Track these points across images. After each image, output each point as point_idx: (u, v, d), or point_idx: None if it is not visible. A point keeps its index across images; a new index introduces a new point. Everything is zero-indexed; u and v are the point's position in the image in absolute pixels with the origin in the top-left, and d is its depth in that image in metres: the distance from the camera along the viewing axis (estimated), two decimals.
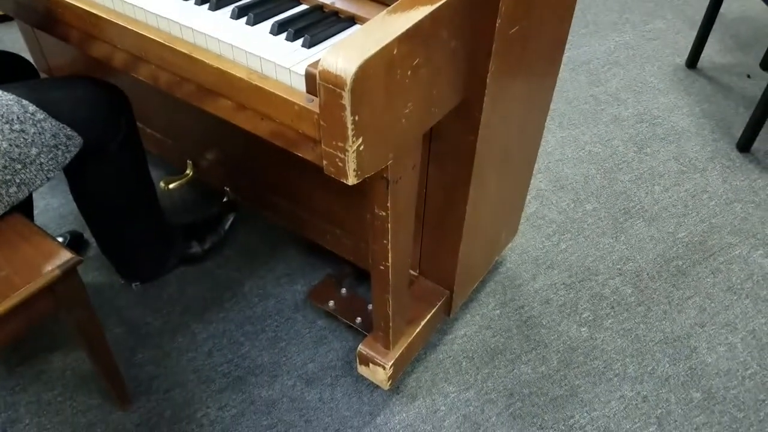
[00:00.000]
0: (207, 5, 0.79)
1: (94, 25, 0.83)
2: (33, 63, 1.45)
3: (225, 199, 1.53)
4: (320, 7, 0.80)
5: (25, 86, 0.94)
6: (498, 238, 1.37)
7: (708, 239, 1.57)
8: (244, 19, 0.76)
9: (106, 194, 1.14)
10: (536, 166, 1.78)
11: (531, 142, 1.24)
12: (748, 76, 2.19)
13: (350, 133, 0.64)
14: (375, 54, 0.62)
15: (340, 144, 0.66)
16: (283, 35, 0.74)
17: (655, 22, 2.53)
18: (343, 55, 0.61)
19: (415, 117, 0.75)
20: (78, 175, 1.09)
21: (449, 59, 0.78)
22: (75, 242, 1.47)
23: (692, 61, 2.23)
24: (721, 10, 2.06)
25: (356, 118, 0.63)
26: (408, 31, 0.65)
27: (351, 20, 0.78)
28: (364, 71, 0.61)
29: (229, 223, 1.51)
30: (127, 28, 0.79)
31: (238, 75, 0.71)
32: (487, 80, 0.85)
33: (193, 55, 0.73)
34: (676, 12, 2.60)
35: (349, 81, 0.60)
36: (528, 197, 1.60)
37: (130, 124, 1.10)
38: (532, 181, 1.42)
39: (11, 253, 0.88)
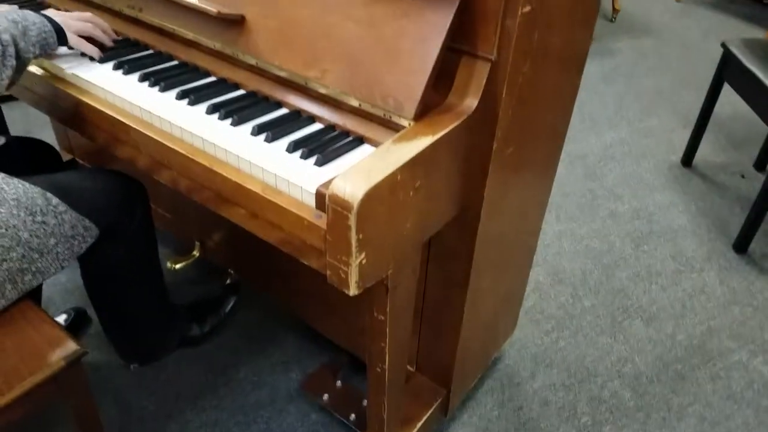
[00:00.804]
0: (230, 120, 0.87)
1: (121, 131, 0.91)
2: (56, 144, 1.54)
3: (228, 281, 1.57)
4: (332, 127, 0.88)
5: (47, 178, 1.01)
6: (496, 334, 1.40)
7: (707, 343, 1.59)
8: (263, 136, 0.84)
9: (115, 275, 1.18)
10: (534, 258, 1.83)
11: (529, 238, 1.30)
12: (743, 176, 2.28)
13: (354, 249, 0.69)
14: (380, 181, 0.68)
15: (344, 258, 0.71)
16: (298, 153, 0.81)
17: (650, 119, 2.66)
18: (352, 181, 0.67)
19: (416, 230, 0.80)
20: (89, 256, 1.14)
21: (448, 178, 0.85)
22: (78, 319, 1.50)
23: (687, 159, 2.33)
24: (715, 108, 2.17)
25: (360, 236, 0.69)
26: (411, 159, 0.72)
27: (360, 140, 0.85)
28: (370, 196, 0.67)
29: (230, 305, 1.54)
30: (153, 137, 0.86)
31: (253, 189, 0.77)
32: (484, 194, 0.91)
33: (213, 168, 0.80)
34: (670, 110, 2.74)
35: (355, 205, 0.66)
36: (527, 290, 1.64)
37: (145, 212, 1.16)
38: (530, 274, 1.46)
39: (20, 341, 0.92)
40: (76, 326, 1.51)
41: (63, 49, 1.03)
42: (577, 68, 1.05)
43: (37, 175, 1.02)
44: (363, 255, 0.71)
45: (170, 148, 0.85)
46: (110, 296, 1.23)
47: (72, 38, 1.01)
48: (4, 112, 1.68)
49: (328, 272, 0.74)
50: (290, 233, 0.78)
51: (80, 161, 1.82)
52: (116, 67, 0.99)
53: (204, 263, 1.64)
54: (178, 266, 1.54)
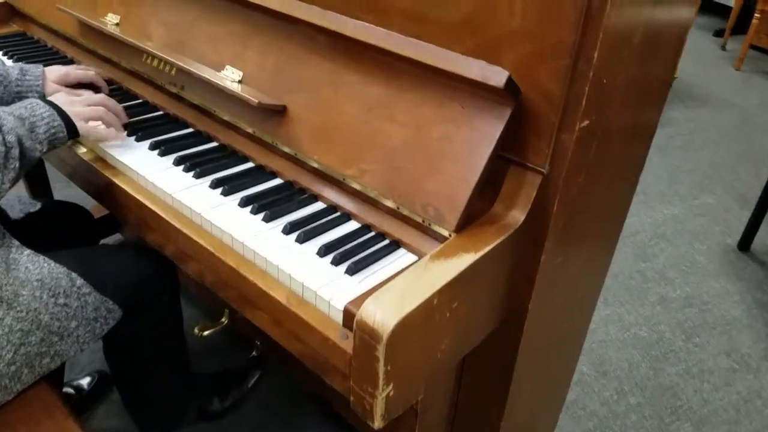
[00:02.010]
0: (262, 215, 0.82)
1: (150, 218, 0.88)
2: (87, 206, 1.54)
3: (254, 353, 1.52)
4: (368, 227, 0.82)
5: (75, 255, 0.98)
6: None
7: None
8: (295, 235, 0.79)
9: (136, 352, 1.14)
10: None
11: (577, 335, 1.20)
12: None
13: (381, 381, 0.62)
14: (415, 308, 0.61)
15: (369, 389, 0.64)
16: (329, 258, 0.75)
17: (704, 196, 2.53)
18: (383, 307, 0.60)
19: (451, 351, 0.73)
20: (112, 333, 1.10)
21: (490, 293, 0.77)
22: (102, 382, 1.47)
23: (744, 243, 2.18)
24: None
25: (388, 367, 0.62)
26: (451, 281, 0.65)
27: (396, 244, 0.79)
28: (402, 326, 0.60)
29: (254, 380, 1.48)
30: (181, 230, 0.83)
31: (278, 298, 0.72)
32: (529, 306, 0.83)
33: (240, 270, 0.75)
34: (727, 187, 2.59)
35: (385, 336, 0.59)
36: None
37: (174, 292, 1.12)
38: None
39: (32, 428, 0.87)
40: (99, 390, 1.47)
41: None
42: (639, 162, 0.97)
43: (65, 250, 1.00)
44: (390, 387, 0.64)
45: (198, 242, 0.80)
46: (130, 371, 1.19)
47: (83, 128, 0.95)
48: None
49: (352, 398, 0.67)
50: (313, 349, 0.71)
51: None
52: (152, 147, 0.97)
53: (231, 332, 1.59)
54: (206, 333, 1.50)
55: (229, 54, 0.97)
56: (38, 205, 1.21)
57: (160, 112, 1.08)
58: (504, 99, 0.70)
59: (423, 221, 0.77)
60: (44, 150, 0.91)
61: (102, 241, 1.39)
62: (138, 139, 0.99)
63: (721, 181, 2.64)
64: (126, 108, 1.07)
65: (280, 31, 0.91)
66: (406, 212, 0.78)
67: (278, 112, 0.90)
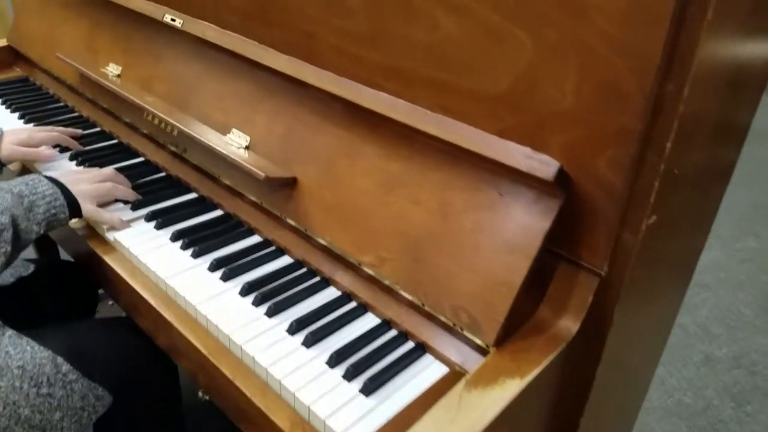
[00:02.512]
0: (266, 308, 0.71)
1: (140, 303, 0.78)
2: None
3: None
4: (388, 323, 0.71)
5: (62, 334, 0.89)
6: None
7: None
8: (302, 336, 0.68)
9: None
10: None
11: (629, 414, 1.07)
12: None
13: None
14: None
15: None
16: (342, 370, 0.64)
17: (746, 239, 2.36)
18: None
19: None
20: (102, 416, 1.00)
21: (536, 419, 0.65)
22: None
23: None
24: None
25: None
26: (492, 421, 0.53)
27: (421, 347, 0.67)
28: None
29: None
30: (173, 324, 0.72)
31: (279, 424, 0.60)
32: (581, 422, 0.71)
33: (235, 381, 0.64)
34: None
35: None
36: None
37: (171, 370, 1.02)
38: None
39: None
40: None
41: None
42: (712, 214, 0.85)
43: (52, 328, 0.90)
44: None
45: (190, 341, 0.70)
46: None
47: (87, 210, 0.85)
48: None
49: None
50: None
51: None
52: (149, 218, 0.87)
53: None
54: (208, 397, 1.39)
55: (236, 116, 0.88)
56: (31, 268, 1.12)
57: (161, 174, 0.99)
58: (553, 190, 0.59)
59: (454, 325, 0.65)
60: (41, 231, 0.82)
61: (100, 304, 1.29)
62: (134, 208, 0.90)
63: (764, 223, 2.47)
64: (125, 168, 0.98)
65: (291, 95, 0.81)
66: (432, 311, 0.67)
67: (288, 185, 0.80)
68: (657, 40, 0.49)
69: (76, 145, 1.05)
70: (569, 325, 0.62)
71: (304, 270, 0.79)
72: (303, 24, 0.79)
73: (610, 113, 0.54)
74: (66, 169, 0.92)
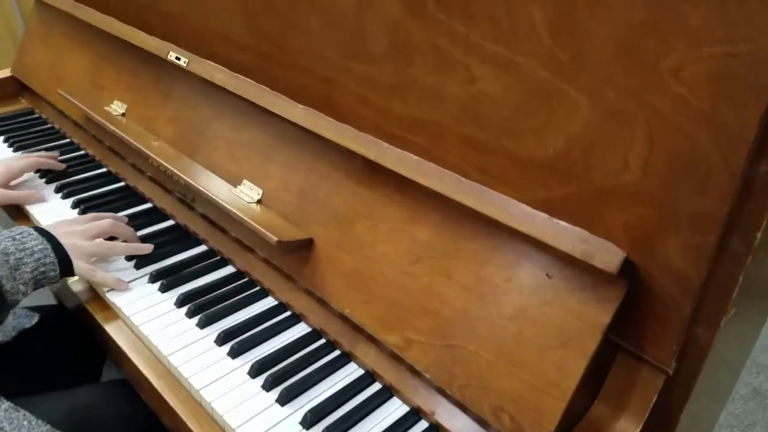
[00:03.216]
0: (277, 393, 0.63)
1: (143, 381, 0.71)
2: None
3: None
4: (416, 411, 0.63)
5: (65, 402, 0.82)
6: None
7: None
8: (319, 430, 0.60)
9: None
10: None
11: None
12: None
13: None
14: None
15: None
16: None
17: None
18: None
19: None
20: None
21: None
22: None
23: None
24: None
25: None
26: None
27: None
28: None
29: None
30: (175, 410, 0.65)
31: None
32: None
33: None
34: None
35: None
36: None
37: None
38: None
39: None
40: None
41: None
42: None
43: (55, 392, 0.84)
44: None
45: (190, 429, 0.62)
46: None
47: (80, 268, 0.78)
48: None
49: None
50: None
51: None
52: (153, 279, 0.80)
53: None
54: None
55: (247, 165, 0.80)
56: (35, 318, 1.05)
57: (169, 223, 0.91)
58: (614, 278, 0.50)
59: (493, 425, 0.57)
60: (29, 292, 0.75)
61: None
62: (138, 266, 0.83)
63: None
64: (130, 217, 0.91)
65: (308, 145, 0.73)
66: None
67: (303, 246, 0.72)
68: (752, 113, 0.40)
69: (58, 165, 1.01)
70: (629, 427, 0.53)
71: (321, 342, 0.71)
72: (321, 68, 0.71)
73: (686, 193, 0.46)
74: (60, 221, 0.85)
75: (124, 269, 0.82)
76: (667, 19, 0.42)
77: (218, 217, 0.84)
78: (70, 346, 1.06)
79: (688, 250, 0.47)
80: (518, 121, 0.54)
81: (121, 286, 0.80)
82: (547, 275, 0.54)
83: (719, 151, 0.43)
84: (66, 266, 0.78)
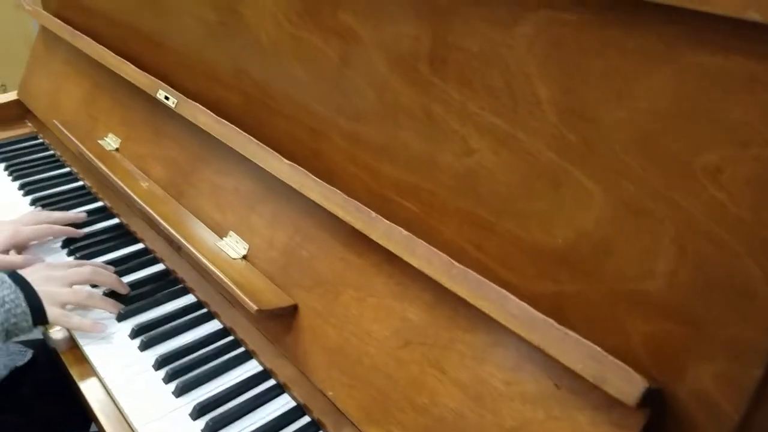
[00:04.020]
0: None
1: None
2: None
3: None
4: None
5: None
6: None
7: None
8: None
9: None
10: None
11: None
12: None
13: None
14: None
15: None
16: None
17: None
18: None
19: None
20: None
21: None
22: None
23: None
24: None
25: None
26: None
27: None
28: None
29: None
30: None
31: None
32: None
33: None
34: None
35: None
36: None
37: None
38: None
39: None
40: None
41: None
42: None
43: None
44: None
45: None
46: None
47: (53, 315, 0.73)
48: None
49: None
50: None
51: None
52: (134, 335, 0.74)
53: None
54: None
55: (233, 215, 0.73)
56: (29, 355, 1.01)
57: (158, 269, 0.85)
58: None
59: None
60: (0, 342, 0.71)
61: None
62: (120, 318, 0.77)
63: None
64: (119, 261, 0.85)
65: (295, 201, 0.66)
66: None
67: (286, 312, 0.65)
68: None
69: (73, 233, 0.91)
70: None
71: (305, 420, 0.65)
72: (308, 119, 0.64)
73: (723, 313, 0.37)
74: (39, 265, 0.80)
75: (105, 320, 0.77)
76: (703, 111, 0.33)
77: (204, 272, 0.78)
78: (61, 388, 1.03)
79: (724, 380, 0.38)
80: (521, 201, 0.46)
81: (98, 329, 0.75)
82: (555, 385, 0.45)
83: (763, 270, 0.34)
84: (39, 315, 0.73)
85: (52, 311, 0.73)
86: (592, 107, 0.38)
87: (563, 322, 0.45)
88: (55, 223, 0.92)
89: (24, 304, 0.71)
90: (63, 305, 0.75)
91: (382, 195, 0.58)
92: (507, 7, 0.40)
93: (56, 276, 0.77)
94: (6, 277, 0.73)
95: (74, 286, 0.77)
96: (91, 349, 0.72)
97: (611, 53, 0.36)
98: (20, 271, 0.76)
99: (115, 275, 0.83)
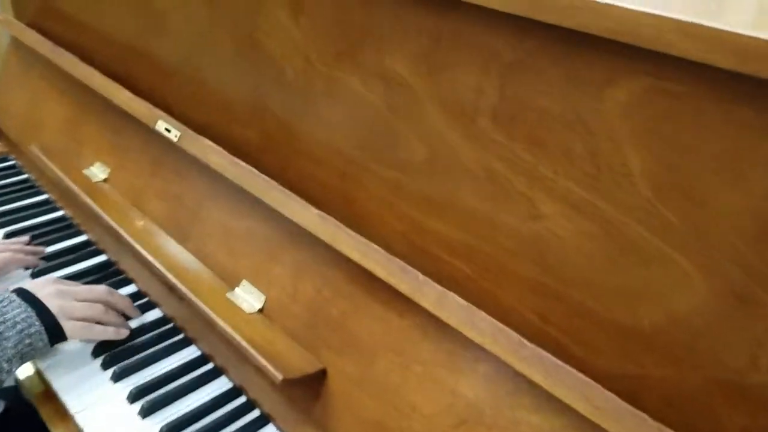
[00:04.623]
0: None
1: None
2: None
3: None
4: None
5: None
6: None
7: None
8: None
9: None
10: None
11: None
12: None
13: None
14: None
15: None
16: None
17: None
18: None
19: None
20: None
21: None
22: None
23: None
24: None
25: None
26: None
27: None
28: None
29: None
30: None
31: None
32: None
33: None
34: None
35: None
36: None
37: None
38: None
39: None
40: None
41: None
42: None
43: None
44: None
45: None
46: None
47: (73, 329, 0.70)
48: None
49: None
50: None
51: None
52: (132, 399, 0.68)
53: None
54: None
55: (247, 262, 0.69)
56: (0, 407, 0.95)
57: (155, 315, 0.79)
58: None
59: None
60: (14, 369, 0.67)
61: None
62: (115, 378, 0.71)
63: None
64: None
65: (322, 250, 0.62)
66: None
67: (315, 378, 0.61)
68: None
69: (35, 263, 0.87)
70: None
71: None
72: (340, 163, 0.60)
73: None
74: (49, 283, 0.75)
75: (100, 384, 0.71)
76: None
77: (210, 324, 0.73)
78: None
79: None
80: (599, 274, 0.43)
81: (122, 334, 0.74)
82: None
83: None
84: (56, 332, 0.69)
85: (70, 326, 0.70)
86: (700, 187, 0.36)
87: (642, 406, 0.42)
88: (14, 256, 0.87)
89: (38, 323, 0.68)
90: (79, 318, 0.72)
91: (425, 250, 0.55)
92: (598, 70, 0.38)
93: (68, 291, 0.74)
94: (14, 296, 0.69)
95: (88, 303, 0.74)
96: (71, 399, 0.67)
97: (730, 131, 0.33)
98: (29, 288, 0.72)
99: (128, 297, 0.80)
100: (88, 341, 0.74)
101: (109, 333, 0.73)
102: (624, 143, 0.38)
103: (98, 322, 0.74)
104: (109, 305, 0.75)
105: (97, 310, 0.73)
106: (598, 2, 0.34)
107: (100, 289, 0.77)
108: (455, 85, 0.46)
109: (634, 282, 0.41)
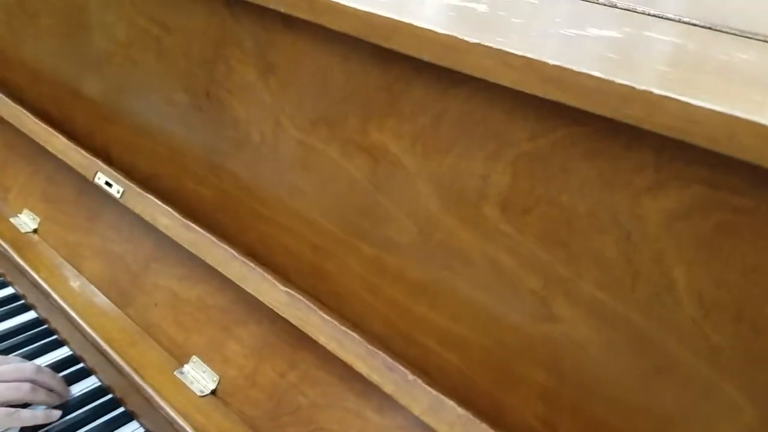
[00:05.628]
0: None
1: None
2: None
3: None
4: None
5: None
6: None
7: None
8: None
9: None
10: None
11: None
12: None
13: None
14: None
15: None
16: None
17: None
18: None
19: None
20: None
21: None
22: None
23: None
24: None
25: None
26: None
27: None
28: None
29: None
30: None
31: None
32: None
33: None
34: None
35: None
36: None
37: None
38: None
39: None
40: None
41: None
42: None
43: None
44: None
45: None
46: None
47: None
48: None
49: None
50: None
51: None
52: None
53: None
54: None
55: (200, 338, 0.57)
56: None
57: (91, 383, 0.66)
58: None
59: None
60: None
61: None
62: None
63: None
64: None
65: (290, 328, 0.52)
66: None
67: None
68: None
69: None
70: None
71: None
72: (312, 234, 0.50)
73: None
74: None
75: None
76: None
77: (153, 406, 0.60)
78: None
79: None
80: (625, 391, 0.35)
81: (53, 417, 0.61)
82: None
83: None
84: None
85: None
86: (757, 309, 0.29)
87: None
88: None
89: None
90: (5, 404, 0.58)
91: (410, 337, 0.45)
92: (643, 171, 0.30)
93: None
94: None
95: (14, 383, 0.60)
96: None
97: None
98: None
99: (58, 375, 0.65)
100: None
101: (39, 418, 0.60)
102: (668, 253, 0.31)
103: (25, 405, 0.61)
104: (36, 384, 0.62)
105: (24, 390, 0.60)
106: (654, 94, 0.27)
107: (28, 368, 0.63)
108: (457, 169, 0.38)
109: (669, 405, 0.33)
